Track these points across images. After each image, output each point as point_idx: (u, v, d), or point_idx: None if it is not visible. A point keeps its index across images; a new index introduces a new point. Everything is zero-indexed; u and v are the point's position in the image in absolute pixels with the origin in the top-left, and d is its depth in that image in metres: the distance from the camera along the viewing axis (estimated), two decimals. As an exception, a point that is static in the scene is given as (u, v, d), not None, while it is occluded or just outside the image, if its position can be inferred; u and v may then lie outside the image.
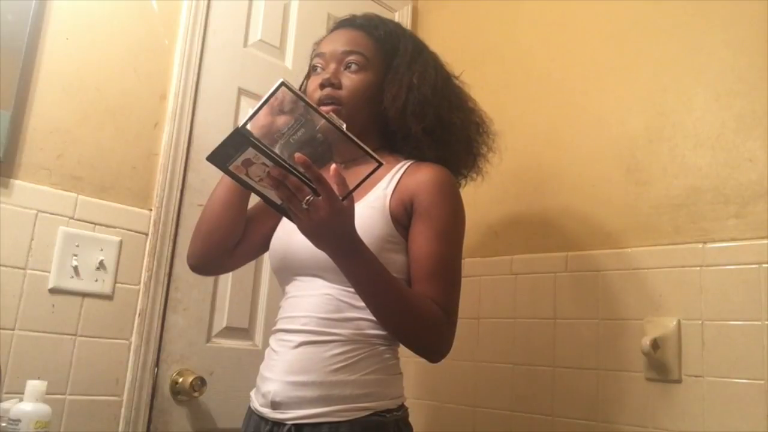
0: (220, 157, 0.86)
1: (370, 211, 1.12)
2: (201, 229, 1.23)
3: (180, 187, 1.57)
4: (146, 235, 1.51)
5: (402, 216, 1.13)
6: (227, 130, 1.74)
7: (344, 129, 0.88)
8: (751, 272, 1.33)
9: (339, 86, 1.18)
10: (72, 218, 1.40)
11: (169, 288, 1.54)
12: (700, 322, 1.38)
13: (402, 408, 1.12)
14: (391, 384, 1.12)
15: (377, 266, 1.02)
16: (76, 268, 1.39)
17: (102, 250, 1.43)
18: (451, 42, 2.13)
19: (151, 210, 1.52)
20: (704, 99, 1.49)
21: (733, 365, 1.32)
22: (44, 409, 1.10)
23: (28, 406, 1.09)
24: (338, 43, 1.22)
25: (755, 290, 1.32)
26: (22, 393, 1.11)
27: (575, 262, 1.63)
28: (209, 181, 1.62)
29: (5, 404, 1.11)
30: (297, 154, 0.85)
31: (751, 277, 1.33)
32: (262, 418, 1.11)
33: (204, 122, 1.64)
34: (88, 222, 1.42)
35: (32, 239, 1.34)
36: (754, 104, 1.41)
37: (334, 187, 0.91)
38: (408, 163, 1.19)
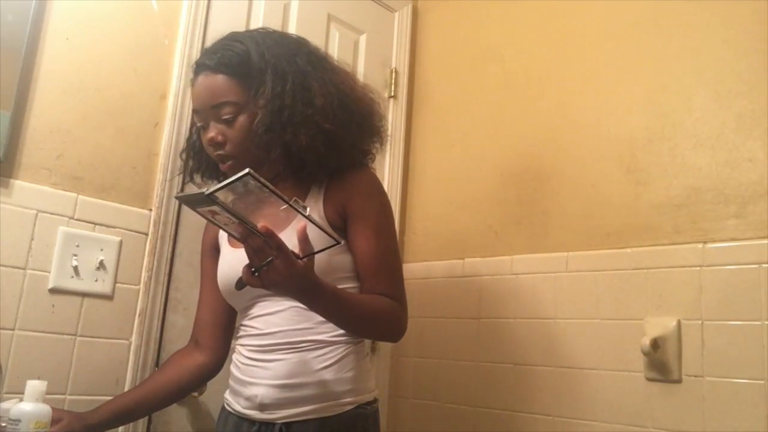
0: (188, 201, 0.89)
1: (309, 225, 1.16)
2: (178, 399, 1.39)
3: (180, 187, 1.57)
4: (146, 235, 1.51)
5: (338, 221, 1.20)
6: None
7: (307, 213, 0.93)
8: (751, 272, 1.33)
9: (224, 143, 1.18)
10: (72, 218, 1.40)
11: (169, 288, 1.54)
12: (700, 322, 1.39)
13: (376, 400, 1.22)
14: (367, 378, 1.21)
15: (337, 299, 1.09)
16: (76, 268, 1.39)
17: (102, 250, 1.43)
18: (451, 42, 2.14)
19: (151, 210, 1.52)
20: (704, 99, 1.49)
21: (733, 365, 1.32)
22: (44, 409, 1.10)
23: (28, 406, 1.09)
24: (205, 97, 1.19)
25: (755, 290, 1.32)
26: (22, 393, 1.11)
27: (575, 262, 1.63)
28: (209, 181, 1.62)
29: (5, 404, 1.11)
30: (261, 224, 0.89)
31: (751, 277, 1.33)
32: (245, 420, 1.17)
33: (204, 122, 1.64)
34: (88, 222, 1.42)
35: (32, 239, 1.34)
36: (754, 104, 1.41)
37: (299, 245, 0.95)
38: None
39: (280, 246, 0.92)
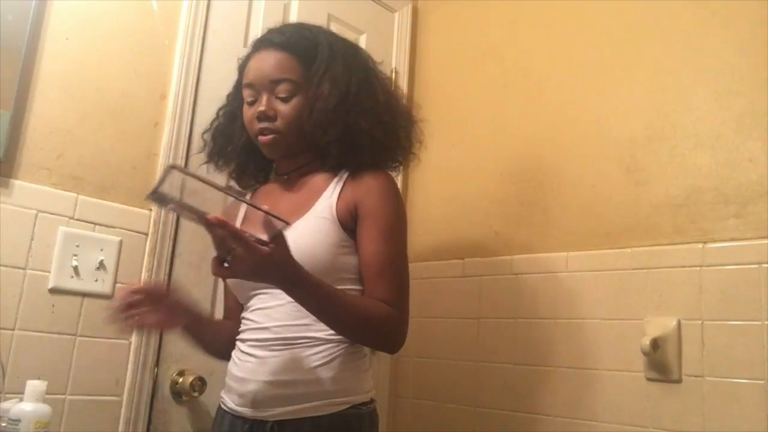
0: (155, 201, 0.91)
1: (321, 221, 1.18)
2: (217, 355, 1.33)
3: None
4: (146, 235, 1.51)
5: (349, 221, 1.19)
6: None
7: (247, 199, 0.95)
8: (751, 272, 1.33)
9: (274, 117, 1.22)
10: (72, 218, 1.40)
11: (169, 288, 1.54)
12: (700, 322, 1.38)
13: (373, 400, 1.20)
14: (364, 379, 1.19)
15: (319, 290, 1.07)
16: (76, 268, 1.39)
17: (102, 250, 1.43)
18: (451, 42, 2.14)
19: (151, 210, 1.52)
20: (704, 99, 1.49)
21: (733, 365, 1.32)
22: (44, 409, 1.10)
23: (28, 406, 1.09)
24: (264, 71, 1.23)
25: (755, 290, 1.32)
26: (22, 393, 1.11)
27: (575, 262, 1.63)
28: (209, 181, 1.62)
29: (5, 404, 1.11)
30: (211, 216, 0.90)
31: (751, 277, 1.33)
32: (239, 418, 1.16)
33: (204, 122, 1.63)
34: (88, 222, 1.42)
35: (32, 239, 1.34)
36: (754, 104, 1.41)
37: (264, 232, 0.95)
38: (347, 171, 1.24)
39: (236, 234, 0.92)
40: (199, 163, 1.63)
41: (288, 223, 0.95)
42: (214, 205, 0.90)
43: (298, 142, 1.24)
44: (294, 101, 1.22)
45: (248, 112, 1.25)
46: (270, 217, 0.94)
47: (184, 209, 0.91)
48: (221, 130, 1.34)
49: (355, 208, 1.19)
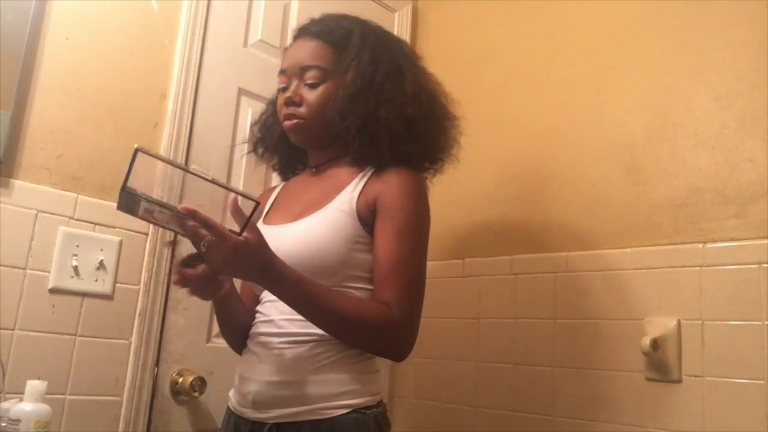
0: (125, 208, 0.90)
1: (339, 214, 1.15)
2: (230, 341, 1.28)
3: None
4: (146, 235, 1.51)
5: (368, 217, 1.15)
6: (227, 130, 1.77)
7: (211, 178, 0.93)
8: (751, 272, 1.33)
9: (300, 103, 1.22)
10: (72, 218, 1.40)
11: (169, 288, 1.54)
12: (700, 322, 1.39)
13: (381, 404, 1.13)
14: (370, 381, 1.13)
15: (301, 286, 1.02)
16: (76, 268, 1.39)
17: (102, 250, 1.43)
18: (451, 42, 2.14)
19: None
20: (704, 99, 1.49)
21: (733, 365, 1.32)
22: (44, 409, 1.10)
23: (28, 406, 1.09)
24: (296, 58, 1.24)
25: (755, 290, 1.32)
26: (22, 393, 1.11)
27: (575, 262, 1.63)
28: (209, 181, 1.62)
29: (5, 404, 1.11)
30: (181, 205, 0.89)
31: (751, 277, 1.33)
32: (242, 418, 1.13)
33: (204, 122, 1.64)
34: (88, 222, 1.42)
35: (32, 239, 1.34)
36: (754, 104, 1.41)
37: (234, 219, 0.93)
38: (373, 167, 1.21)
39: (207, 221, 0.90)
40: (199, 162, 1.63)
41: (258, 202, 0.92)
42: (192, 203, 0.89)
43: (324, 131, 1.22)
44: (321, 88, 1.21)
45: (279, 99, 1.26)
46: (238, 210, 0.92)
47: (155, 207, 0.90)
48: (265, 122, 1.36)
49: (374, 202, 1.15)
